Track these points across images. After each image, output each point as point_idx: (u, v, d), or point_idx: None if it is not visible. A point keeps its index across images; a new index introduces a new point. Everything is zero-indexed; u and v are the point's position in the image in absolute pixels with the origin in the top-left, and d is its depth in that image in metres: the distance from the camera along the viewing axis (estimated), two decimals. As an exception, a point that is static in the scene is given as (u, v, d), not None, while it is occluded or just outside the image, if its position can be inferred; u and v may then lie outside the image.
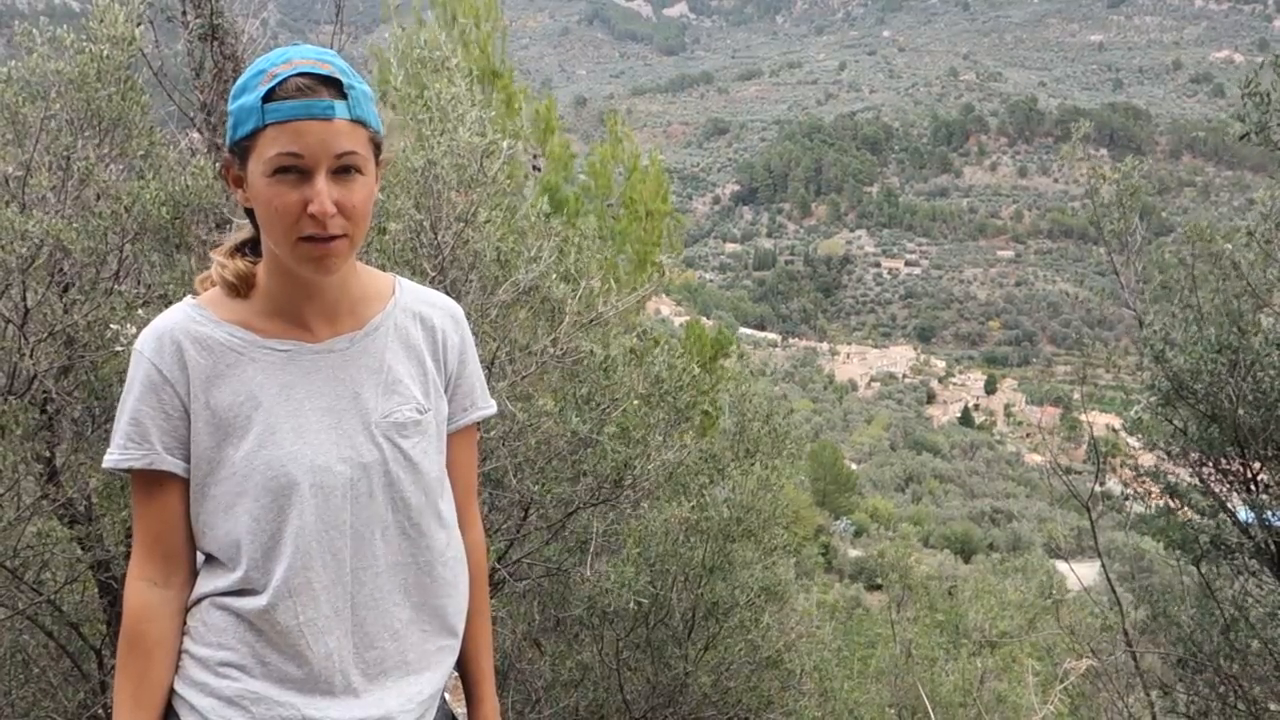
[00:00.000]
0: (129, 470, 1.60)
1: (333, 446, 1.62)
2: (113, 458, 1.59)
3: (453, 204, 3.54)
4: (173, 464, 1.59)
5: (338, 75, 1.53)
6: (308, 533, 1.59)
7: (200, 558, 1.67)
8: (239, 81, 1.56)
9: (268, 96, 1.50)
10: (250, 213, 1.62)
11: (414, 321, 1.76)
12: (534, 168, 7.96)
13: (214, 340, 1.60)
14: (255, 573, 1.59)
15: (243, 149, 1.54)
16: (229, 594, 1.61)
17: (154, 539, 1.62)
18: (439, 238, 3.53)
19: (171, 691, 1.61)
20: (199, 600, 1.63)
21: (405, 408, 1.69)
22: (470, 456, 1.90)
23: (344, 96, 1.53)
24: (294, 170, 1.50)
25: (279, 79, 1.50)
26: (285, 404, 1.61)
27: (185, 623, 1.64)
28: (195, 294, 1.69)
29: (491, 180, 3.59)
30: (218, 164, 3.62)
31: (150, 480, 1.60)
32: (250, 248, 1.69)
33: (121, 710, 1.58)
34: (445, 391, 1.79)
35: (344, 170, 1.52)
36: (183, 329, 1.60)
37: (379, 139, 1.61)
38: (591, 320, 3.82)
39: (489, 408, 1.89)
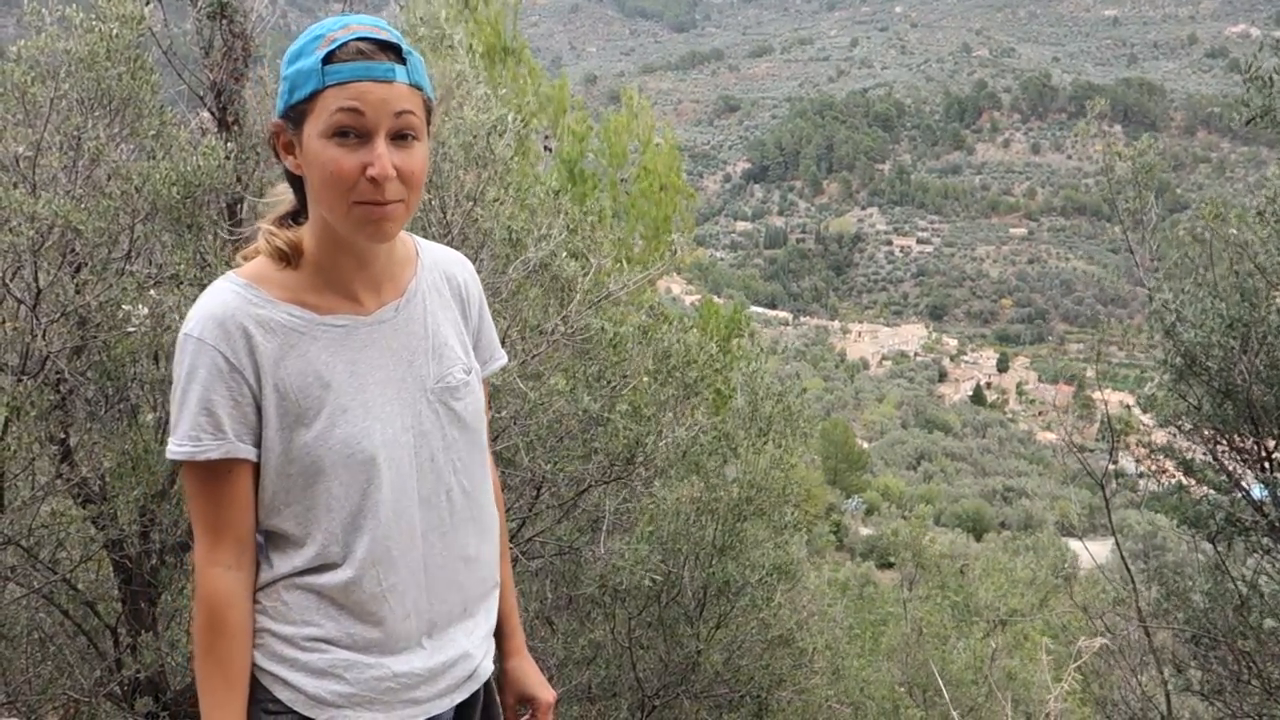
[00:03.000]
0: (204, 461, 1.58)
1: (397, 418, 1.65)
2: (186, 449, 1.57)
3: (461, 182, 3.53)
4: (247, 451, 1.59)
5: (396, 41, 1.54)
6: (386, 504, 1.63)
7: (259, 539, 1.69)
8: (293, 48, 1.56)
9: (328, 59, 1.50)
10: (295, 181, 1.63)
11: (443, 281, 1.80)
12: (545, 148, 7.93)
13: (276, 322, 1.60)
14: (334, 547, 1.62)
15: (299, 113, 1.54)
16: (306, 572, 1.63)
17: (225, 525, 1.62)
18: (448, 217, 3.52)
19: (254, 668, 1.65)
20: (272, 582, 1.65)
21: (455, 369, 1.74)
22: (486, 403, 1.95)
23: (403, 61, 1.54)
24: (353, 133, 1.51)
25: (339, 43, 1.51)
26: (350, 380, 1.63)
27: (258, 602, 1.66)
28: (235, 266, 1.69)
29: (500, 158, 3.57)
30: (222, 138, 3.61)
31: (222, 468, 1.59)
32: (293, 217, 1.70)
33: (215, 693, 1.60)
34: (472, 343, 1.84)
35: (401, 135, 1.53)
36: (245, 313, 1.58)
37: (432, 106, 1.63)
38: (602, 298, 3.82)
39: (503, 358, 1.97)
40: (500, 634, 1.98)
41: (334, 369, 1.62)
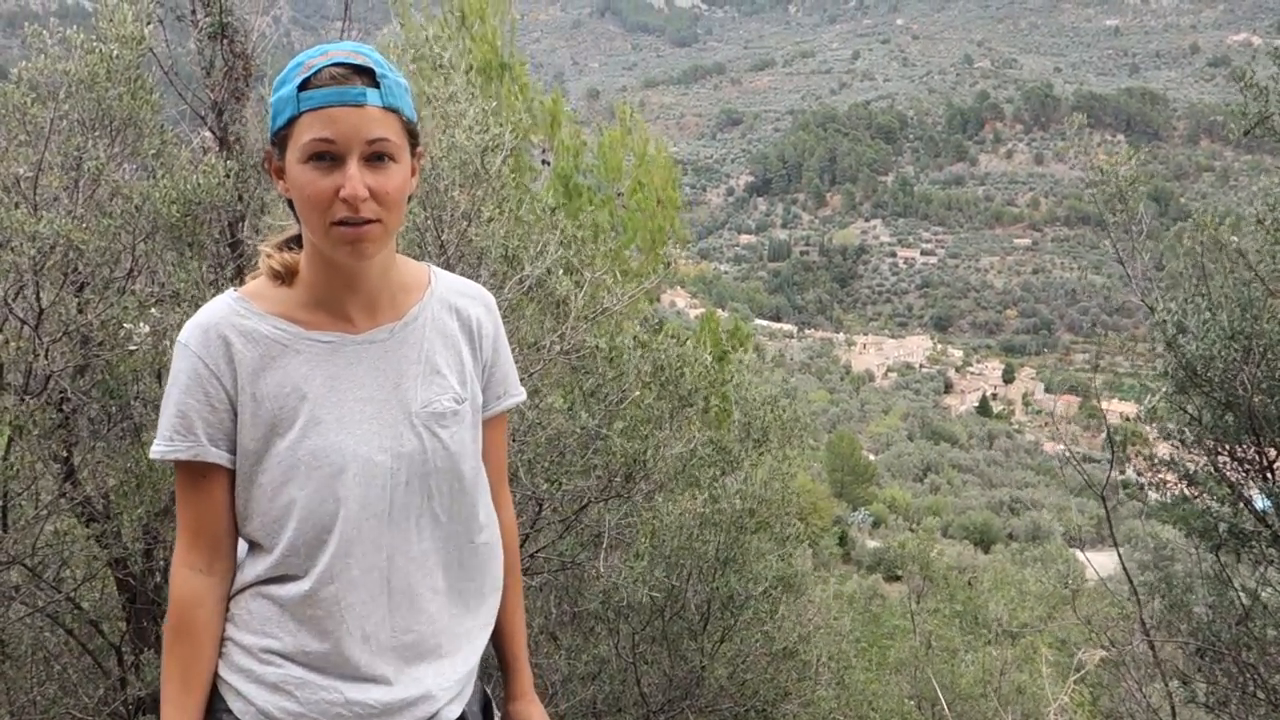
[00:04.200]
0: (176, 462, 1.64)
1: (374, 436, 1.65)
2: (159, 449, 1.63)
3: (455, 202, 3.54)
4: (218, 455, 1.63)
5: (371, 65, 1.57)
6: (351, 521, 1.63)
7: (243, 547, 1.71)
8: (279, 76, 1.61)
9: (303, 85, 1.55)
10: (292, 204, 1.66)
11: (450, 312, 1.80)
12: (543, 162, 7.96)
13: (259, 333, 1.64)
14: (295, 558, 1.63)
15: (281, 139, 1.59)
16: (269, 581, 1.65)
17: (199, 528, 1.65)
18: (443, 236, 3.54)
19: (216, 676, 1.66)
20: (242, 589, 1.68)
21: (444, 397, 1.73)
22: (502, 441, 1.95)
23: (376, 85, 1.57)
24: (327, 156, 1.54)
25: (315, 69, 1.55)
26: (329, 395, 1.64)
27: (228, 610, 1.68)
28: (239, 285, 1.73)
29: (494, 176, 3.59)
30: (222, 156, 3.63)
31: (196, 471, 1.64)
32: (297, 242, 1.74)
33: (171, 693, 1.63)
34: (480, 379, 1.83)
35: (377, 157, 1.57)
36: (228, 323, 1.63)
37: (414, 128, 1.65)
38: (597, 314, 3.82)
39: (520, 394, 1.95)
40: (506, 674, 1.96)
41: (312, 381, 1.64)
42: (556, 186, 7.25)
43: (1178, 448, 4.57)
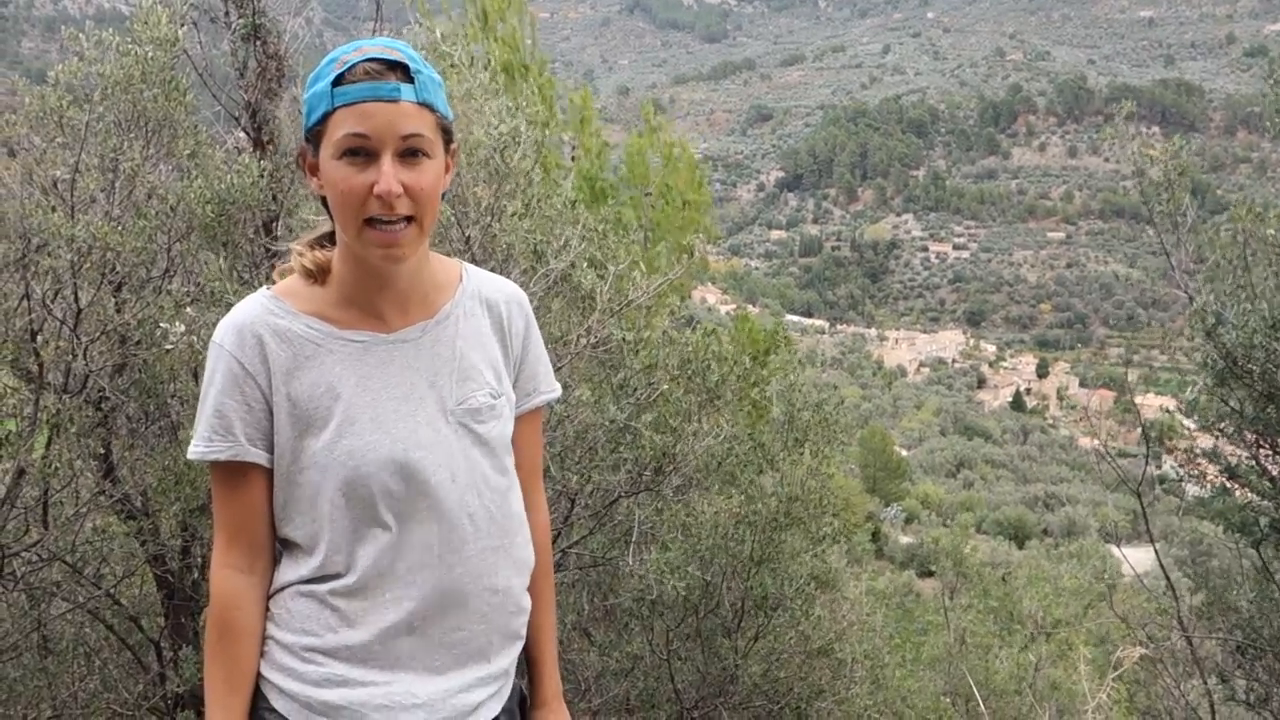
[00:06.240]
0: (214, 462, 1.64)
1: (410, 435, 1.65)
2: (198, 450, 1.63)
3: (478, 198, 3.55)
4: (256, 455, 1.63)
5: (405, 60, 1.56)
6: (394, 519, 1.63)
7: (278, 546, 1.71)
8: (313, 73, 1.61)
9: (337, 81, 1.54)
10: (325, 202, 1.66)
11: (482, 308, 1.79)
12: (571, 158, 7.95)
13: (293, 332, 1.64)
14: (338, 556, 1.63)
15: (315, 135, 1.59)
16: (312, 581, 1.65)
17: (238, 528, 1.66)
18: (466, 233, 3.55)
19: (259, 675, 1.67)
20: (282, 588, 1.68)
21: (479, 393, 1.72)
22: (536, 439, 1.94)
23: (410, 80, 1.56)
24: (361, 152, 1.54)
25: (349, 65, 1.55)
26: (363, 395, 1.64)
27: (268, 609, 1.68)
28: (272, 284, 1.72)
29: (518, 171, 3.58)
30: (256, 156, 3.66)
31: (234, 471, 1.64)
32: (329, 240, 1.73)
33: (215, 694, 1.65)
34: (512, 375, 1.82)
35: (411, 153, 1.56)
36: (262, 322, 1.63)
37: (448, 124, 1.64)
38: (623, 307, 3.81)
39: (554, 391, 1.93)
40: (533, 679, 1.95)
41: (346, 381, 1.64)
42: (583, 188, 7.25)
43: (1218, 440, 4.51)
